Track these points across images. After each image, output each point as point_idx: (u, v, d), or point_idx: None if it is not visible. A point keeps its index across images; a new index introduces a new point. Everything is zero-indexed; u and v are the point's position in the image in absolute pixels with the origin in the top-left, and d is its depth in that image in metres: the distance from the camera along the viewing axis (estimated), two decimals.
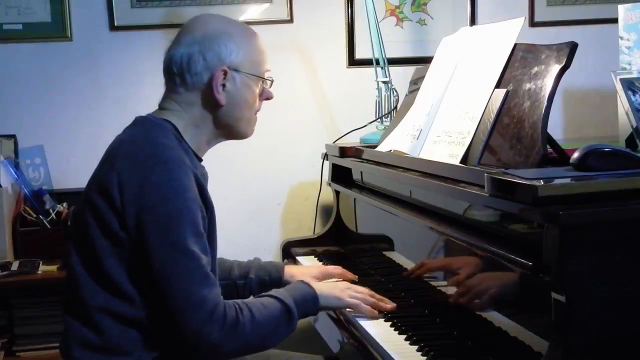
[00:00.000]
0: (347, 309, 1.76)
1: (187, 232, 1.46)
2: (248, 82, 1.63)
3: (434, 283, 1.74)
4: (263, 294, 1.64)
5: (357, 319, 1.72)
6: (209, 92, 1.60)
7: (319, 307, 1.68)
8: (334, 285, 1.80)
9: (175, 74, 1.61)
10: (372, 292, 1.77)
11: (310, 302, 1.66)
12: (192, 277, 1.44)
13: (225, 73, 1.59)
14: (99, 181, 1.53)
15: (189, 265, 1.45)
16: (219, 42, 1.59)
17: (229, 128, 1.66)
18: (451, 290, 1.63)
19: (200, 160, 1.66)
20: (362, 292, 1.76)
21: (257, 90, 1.66)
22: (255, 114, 1.69)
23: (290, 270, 1.94)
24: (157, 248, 1.45)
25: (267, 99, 1.71)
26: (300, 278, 1.82)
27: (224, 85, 1.60)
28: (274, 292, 1.63)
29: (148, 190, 1.46)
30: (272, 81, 1.70)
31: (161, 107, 1.65)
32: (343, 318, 1.77)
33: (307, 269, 2.04)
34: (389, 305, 1.74)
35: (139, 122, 1.62)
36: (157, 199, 1.46)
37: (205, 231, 1.52)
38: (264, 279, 1.88)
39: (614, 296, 1.20)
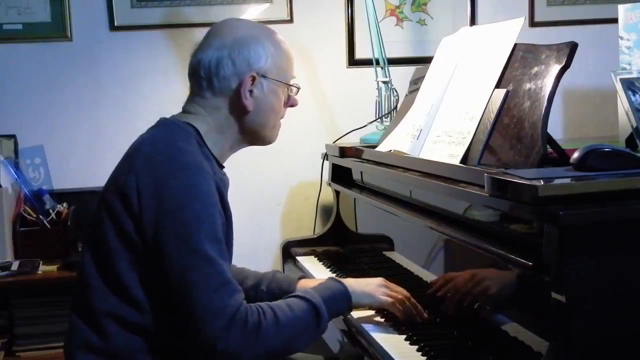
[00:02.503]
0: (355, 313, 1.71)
1: (206, 237, 1.43)
2: (275, 88, 1.62)
3: (434, 283, 1.73)
4: (290, 294, 1.60)
5: (358, 319, 1.72)
6: (236, 97, 1.58)
7: (351, 305, 1.63)
8: (368, 281, 1.71)
9: (203, 78, 1.59)
10: (409, 295, 1.68)
11: (341, 300, 1.60)
12: (211, 284, 1.42)
13: (253, 79, 1.58)
14: (117, 183, 1.51)
15: (208, 271, 1.42)
16: (249, 47, 1.58)
17: (254, 134, 1.65)
18: (452, 290, 1.62)
19: (222, 166, 1.64)
20: (399, 292, 1.68)
21: (283, 97, 1.65)
22: (280, 120, 1.68)
23: (303, 284, 1.82)
24: (175, 254, 1.42)
25: (292, 105, 1.70)
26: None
27: (251, 91, 1.58)
28: (301, 292, 1.59)
29: (167, 196, 1.44)
30: (298, 88, 1.69)
31: (185, 110, 1.63)
32: (343, 318, 1.76)
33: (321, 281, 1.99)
34: (422, 319, 1.65)
35: (162, 124, 1.60)
36: (176, 204, 1.44)
37: (223, 237, 1.50)
38: (275, 291, 1.81)
39: (614, 296, 1.20)
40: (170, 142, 1.52)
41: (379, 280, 1.73)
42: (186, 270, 1.42)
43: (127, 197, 1.46)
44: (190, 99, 1.64)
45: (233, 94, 1.59)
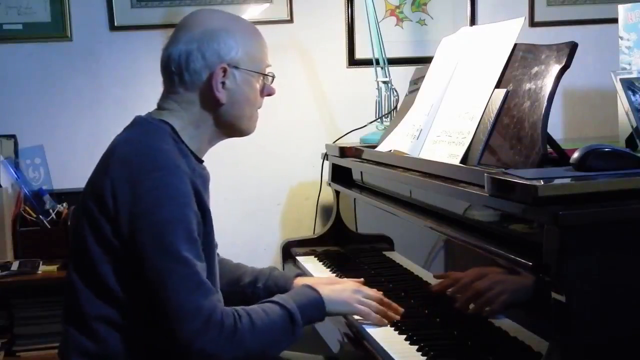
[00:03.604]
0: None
1: (180, 238, 1.42)
2: (249, 78, 1.60)
3: (434, 283, 1.73)
4: (266, 300, 1.59)
5: (358, 319, 1.72)
6: (208, 90, 1.56)
7: (325, 312, 1.62)
8: (343, 288, 1.71)
9: (174, 72, 1.58)
10: (382, 297, 1.71)
11: (315, 308, 1.60)
12: (185, 285, 1.41)
13: (224, 70, 1.56)
14: (93, 186, 1.51)
15: (183, 272, 1.41)
16: (218, 39, 1.56)
17: (231, 126, 1.63)
18: (452, 290, 1.63)
19: (201, 161, 1.63)
20: (373, 297, 1.69)
21: (258, 87, 1.63)
22: (257, 110, 1.66)
23: (299, 282, 1.83)
24: (151, 255, 1.42)
25: (269, 94, 1.67)
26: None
27: (223, 83, 1.56)
28: (277, 297, 1.58)
29: (141, 197, 1.43)
30: (273, 77, 1.67)
31: (160, 107, 1.62)
32: (343, 318, 1.76)
33: (318, 279, 1.96)
34: (398, 314, 1.68)
35: (137, 123, 1.60)
36: (150, 205, 1.43)
37: (200, 237, 1.49)
38: (272, 288, 1.81)
39: (614, 296, 1.20)
40: (145, 143, 1.51)
41: (352, 285, 1.73)
42: (161, 271, 1.41)
43: (103, 200, 1.45)
44: (164, 95, 1.62)
45: (205, 87, 1.57)
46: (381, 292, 1.74)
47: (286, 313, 1.53)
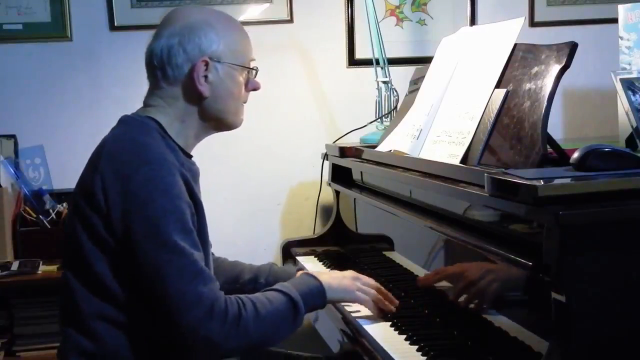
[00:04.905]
0: (347, 307, 1.74)
1: (175, 229, 1.43)
2: (231, 72, 1.60)
3: (434, 283, 1.73)
4: (268, 288, 1.60)
5: (358, 319, 1.72)
6: (191, 84, 1.57)
7: (327, 300, 1.63)
8: (342, 276, 1.72)
9: (157, 67, 1.59)
10: (379, 286, 1.73)
11: (317, 296, 1.61)
12: (185, 274, 1.41)
13: (206, 64, 1.56)
14: (83, 184, 1.51)
15: (180, 262, 1.42)
16: (199, 32, 1.56)
17: (216, 120, 1.63)
18: (451, 290, 1.63)
19: (190, 156, 1.63)
20: (371, 285, 1.71)
21: (242, 81, 1.63)
22: (242, 104, 1.66)
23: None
24: (146, 249, 1.42)
25: (254, 89, 1.67)
26: None
27: (206, 77, 1.56)
28: (279, 285, 1.59)
29: (132, 192, 1.43)
30: (256, 70, 1.67)
31: (145, 104, 1.62)
32: (343, 318, 1.77)
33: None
34: (394, 306, 1.70)
35: (123, 121, 1.60)
36: (142, 200, 1.43)
37: (195, 228, 1.49)
38: (273, 284, 1.76)
39: (614, 296, 1.20)
40: (132, 139, 1.52)
41: (351, 273, 1.74)
42: (159, 264, 1.41)
43: (94, 198, 1.46)
44: (150, 92, 1.63)
45: (188, 81, 1.57)
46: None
47: (289, 301, 1.54)
